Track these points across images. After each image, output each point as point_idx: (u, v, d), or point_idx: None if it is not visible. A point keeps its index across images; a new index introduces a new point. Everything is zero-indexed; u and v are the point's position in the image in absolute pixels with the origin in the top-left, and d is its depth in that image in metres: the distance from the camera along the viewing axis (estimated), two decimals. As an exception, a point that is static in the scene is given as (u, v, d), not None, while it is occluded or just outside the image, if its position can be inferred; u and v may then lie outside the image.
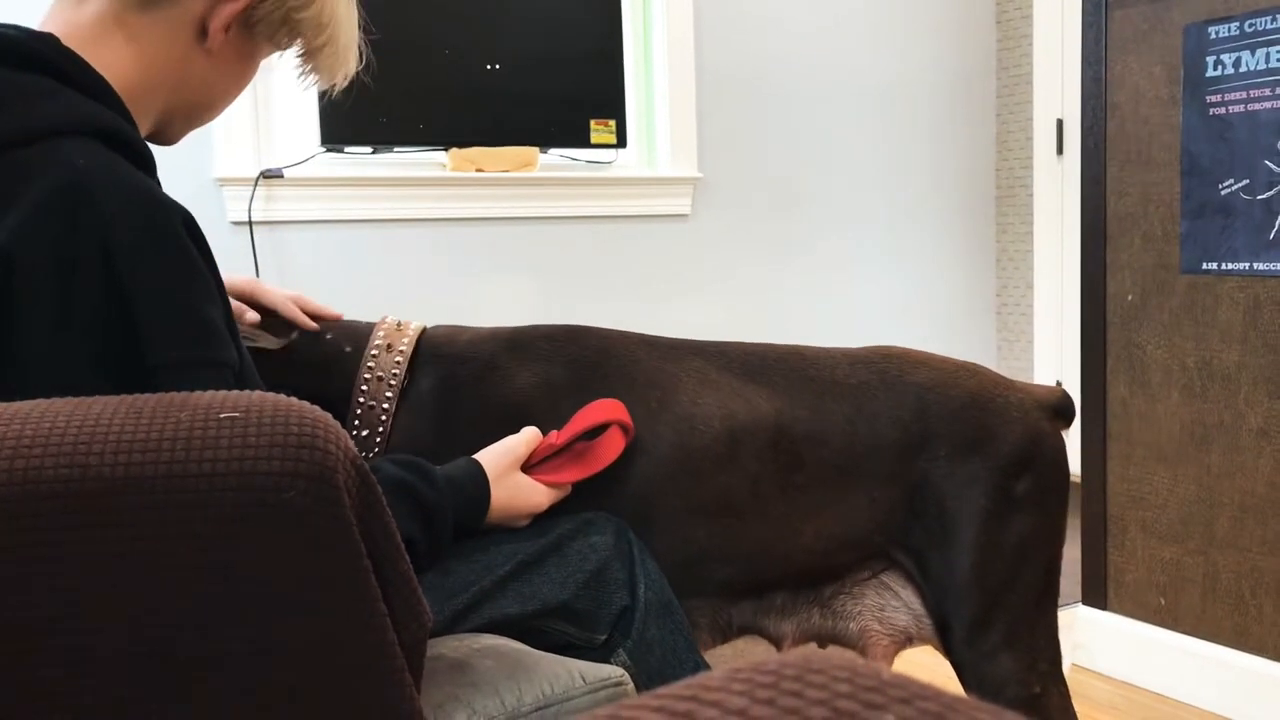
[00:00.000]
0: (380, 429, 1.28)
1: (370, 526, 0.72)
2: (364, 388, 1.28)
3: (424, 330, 1.34)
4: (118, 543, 0.66)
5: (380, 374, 1.28)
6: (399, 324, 1.33)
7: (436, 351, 1.31)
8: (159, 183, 1.02)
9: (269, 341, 1.29)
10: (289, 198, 2.88)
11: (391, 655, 0.73)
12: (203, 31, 1.04)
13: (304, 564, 0.69)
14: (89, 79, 0.97)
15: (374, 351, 1.30)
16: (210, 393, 0.73)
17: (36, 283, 0.86)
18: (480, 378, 1.29)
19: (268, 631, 0.70)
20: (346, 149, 2.98)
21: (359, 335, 1.32)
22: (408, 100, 2.97)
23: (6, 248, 0.85)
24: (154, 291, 0.88)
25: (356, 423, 1.29)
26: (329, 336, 1.32)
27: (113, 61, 0.99)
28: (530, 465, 1.19)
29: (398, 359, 1.29)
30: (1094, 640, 2.25)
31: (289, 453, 0.69)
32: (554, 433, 1.20)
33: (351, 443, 0.73)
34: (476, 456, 1.15)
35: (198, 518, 0.67)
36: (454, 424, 1.28)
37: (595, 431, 1.20)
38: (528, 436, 1.19)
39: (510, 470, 1.15)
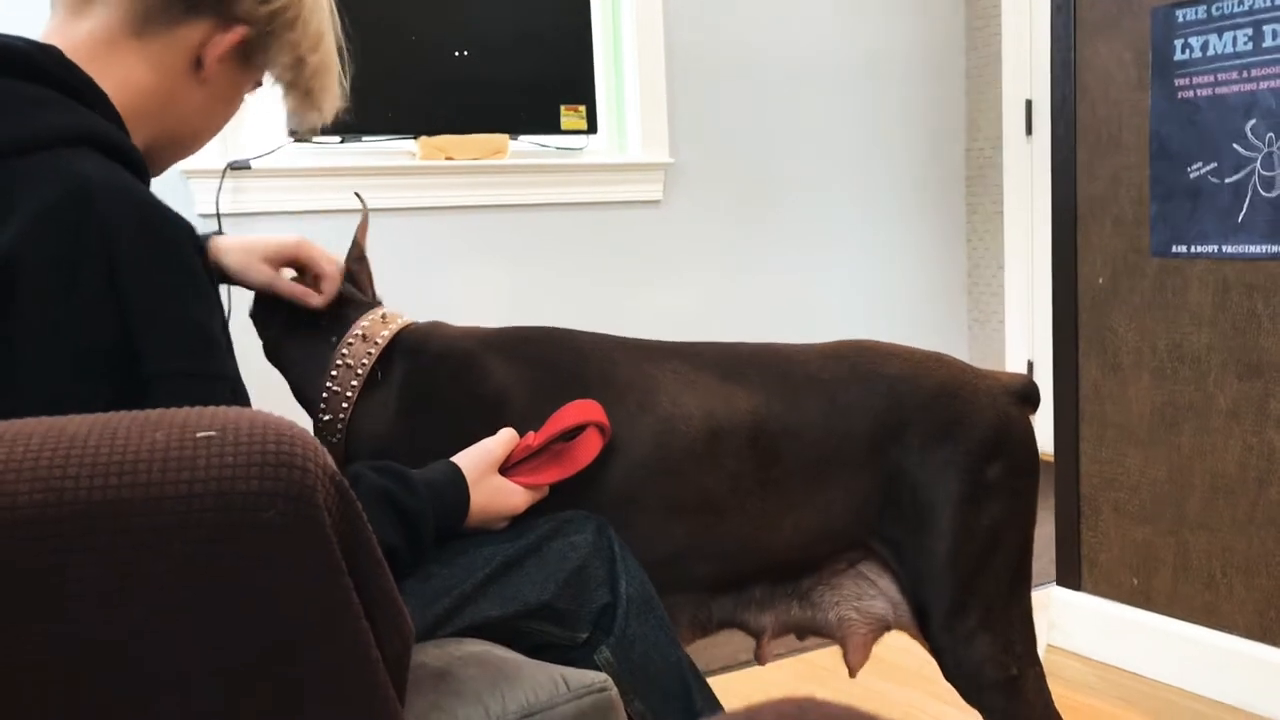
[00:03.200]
0: (341, 416, 1.32)
1: (350, 543, 0.72)
2: (334, 374, 1.32)
3: (407, 325, 1.35)
4: (96, 567, 0.65)
5: (350, 362, 1.31)
6: (384, 316, 1.35)
7: (413, 347, 1.33)
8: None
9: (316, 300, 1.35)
10: (257, 189, 2.85)
11: (374, 671, 0.73)
12: (198, 62, 1.04)
13: (284, 584, 0.69)
14: (90, 92, 0.97)
15: (350, 340, 1.33)
16: (186, 410, 0.72)
17: (38, 289, 0.86)
18: (455, 376, 1.30)
19: (249, 652, 0.69)
20: (314, 139, 2.95)
21: (346, 324, 1.36)
22: (376, 88, 2.94)
23: (8, 254, 0.85)
24: (156, 302, 0.88)
25: (323, 407, 1.33)
26: (323, 323, 1.35)
27: (105, 84, 0.99)
28: (507, 467, 1.18)
29: (370, 350, 1.32)
30: (1069, 620, 2.27)
31: (267, 471, 0.68)
32: (531, 434, 1.20)
33: (330, 459, 0.72)
34: (455, 460, 1.15)
35: (176, 539, 0.66)
36: (421, 421, 1.29)
37: (572, 433, 1.20)
38: (505, 438, 1.19)
39: (488, 473, 1.15)
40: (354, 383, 1.31)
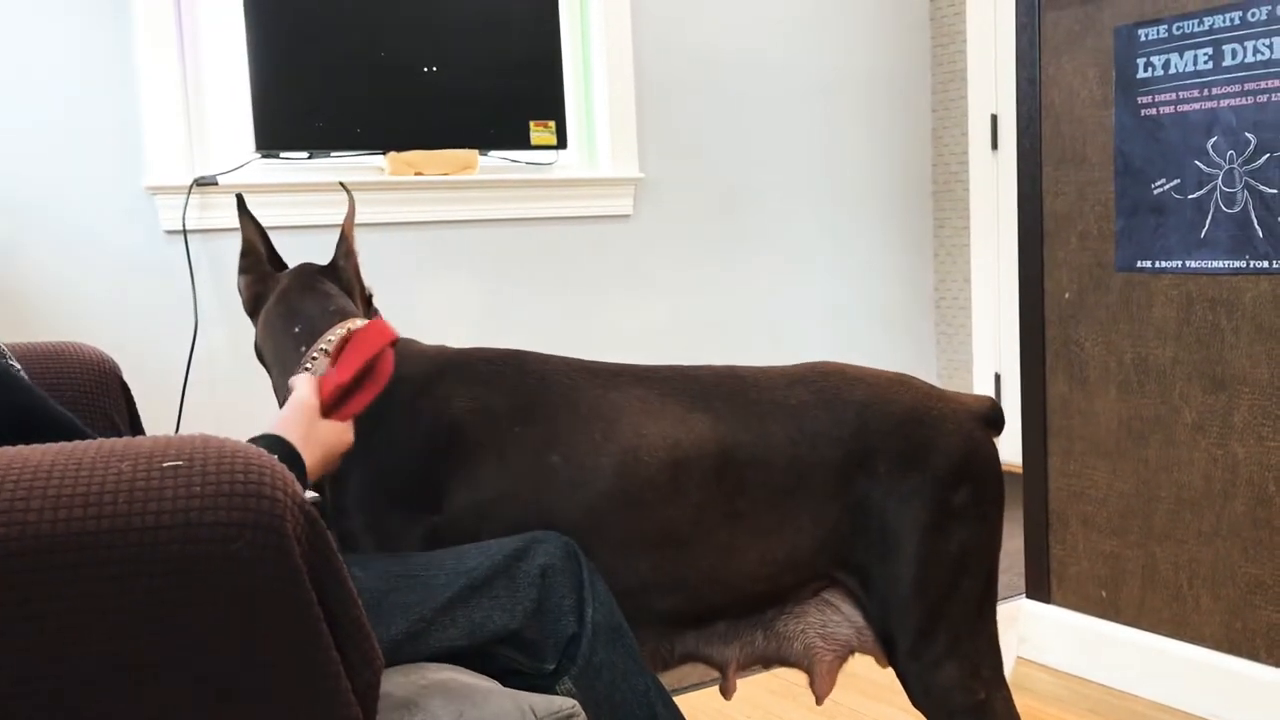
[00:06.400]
0: None
1: (320, 573, 0.71)
2: None
3: None
4: (60, 600, 0.64)
5: None
6: (349, 332, 1.34)
7: None
8: None
9: None
10: (224, 205, 2.83)
11: (345, 703, 0.72)
12: None
13: (254, 615, 0.68)
14: None
15: (315, 355, 1.33)
16: (152, 439, 0.72)
17: None
18: (414, 397, 1.28)
19: (218, 684, 0.68)
20: (282, 154, 2.93)
21: (314, 336, 1.36)
22: (344, 104, 2.93)
23: None
24: None
25: None
26: (296, 329, 1.37)
27: None
28: (326, 408, 1.20)
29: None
30: (1038, 633, 2.28)
31: (236, 502, 0.67)
32: (333, 371, 1.23)
33: (299, 488, 0.71)
34: (276, 426, 1.11)
35: (143, 572, 0.65)
36: (373, 443, 1.28)
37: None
38: (313, 383, 1.19)
39: (313, 423, 1.13)
40: None
